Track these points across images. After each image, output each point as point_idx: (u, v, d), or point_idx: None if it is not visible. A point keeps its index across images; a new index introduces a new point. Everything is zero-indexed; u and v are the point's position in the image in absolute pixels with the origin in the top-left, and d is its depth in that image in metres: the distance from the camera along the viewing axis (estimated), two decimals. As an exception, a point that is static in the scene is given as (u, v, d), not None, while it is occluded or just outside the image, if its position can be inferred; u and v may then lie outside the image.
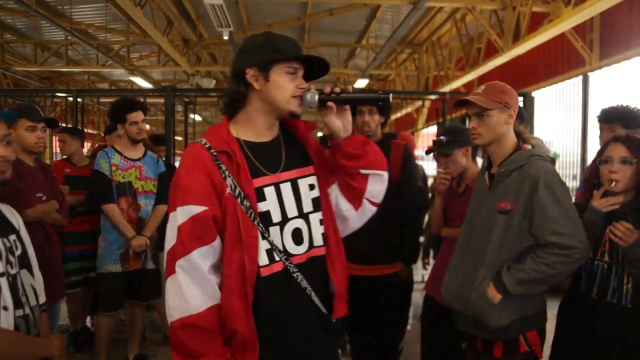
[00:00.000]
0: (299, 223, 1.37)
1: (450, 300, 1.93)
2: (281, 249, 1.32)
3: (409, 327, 3.00)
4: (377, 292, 2.76)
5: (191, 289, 1.24)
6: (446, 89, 8.66)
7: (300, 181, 1.40)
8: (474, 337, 1.92)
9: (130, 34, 8.99)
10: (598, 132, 2.69)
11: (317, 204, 1.42)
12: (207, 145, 1.32)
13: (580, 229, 1.70)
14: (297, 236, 1.36)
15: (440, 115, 6.19)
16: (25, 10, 6.09)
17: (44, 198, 2.69)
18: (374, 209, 1.52)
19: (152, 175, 3.14)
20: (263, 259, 1.30)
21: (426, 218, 4.30)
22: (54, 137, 7.39)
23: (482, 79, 8.08)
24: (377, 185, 1.46)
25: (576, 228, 1.69)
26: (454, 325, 1.97)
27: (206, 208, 1.26)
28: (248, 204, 1.28)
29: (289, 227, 1.35)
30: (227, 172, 1.29)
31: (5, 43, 9.52)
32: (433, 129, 10.89)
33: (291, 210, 1.36)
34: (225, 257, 1.28)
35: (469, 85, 9.00)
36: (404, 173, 2.70)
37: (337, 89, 1.37)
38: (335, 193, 1.48)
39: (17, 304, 1.38)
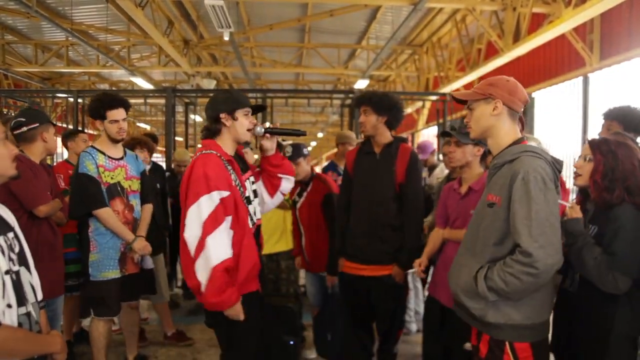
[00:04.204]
0: (255, 203, 2.21)
1: (452, 291, 1.90)
2: (254, 218, 2.18)
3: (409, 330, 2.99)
4: (371, 292, 2.79)
5: (224, 241, 1.97)
6: (446, 89, 8.66)
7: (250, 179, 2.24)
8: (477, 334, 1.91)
9: (130, 34, 9.01)
10: (598, 132, 2.71)
11: (255, 193, 2.25)
12: (218, 154, 2.06)
13: (546, 235, 1.55)
14: (255, 211, 2.20)
15: (440, 116, 6.20)
16: (26, 11, 6.10)
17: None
18: (282, 198, 2.41)
19: (135, 174, 2.99)
20: (249, 223, 2.11)
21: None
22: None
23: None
24: (287, 184, 2.38)
25: (539, 232, 1.55)
26: (456, 327, 1.96)
27: (229, 193, 2.00)
28: (242, 190, 2.10)
29: (253, 205, 2.19)
30: (232, 171, 2.07)
31: (6, 44, 9.54)
32: (433, 130, 10.89)
33: (252, 195, 2.21)
34: (236, 222, 2.03)
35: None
36: (408, 177, 2.72)
37: (272, 126, 2.25)
38: (260, 187, 2.32)
39: (20, 302, 1.40)
